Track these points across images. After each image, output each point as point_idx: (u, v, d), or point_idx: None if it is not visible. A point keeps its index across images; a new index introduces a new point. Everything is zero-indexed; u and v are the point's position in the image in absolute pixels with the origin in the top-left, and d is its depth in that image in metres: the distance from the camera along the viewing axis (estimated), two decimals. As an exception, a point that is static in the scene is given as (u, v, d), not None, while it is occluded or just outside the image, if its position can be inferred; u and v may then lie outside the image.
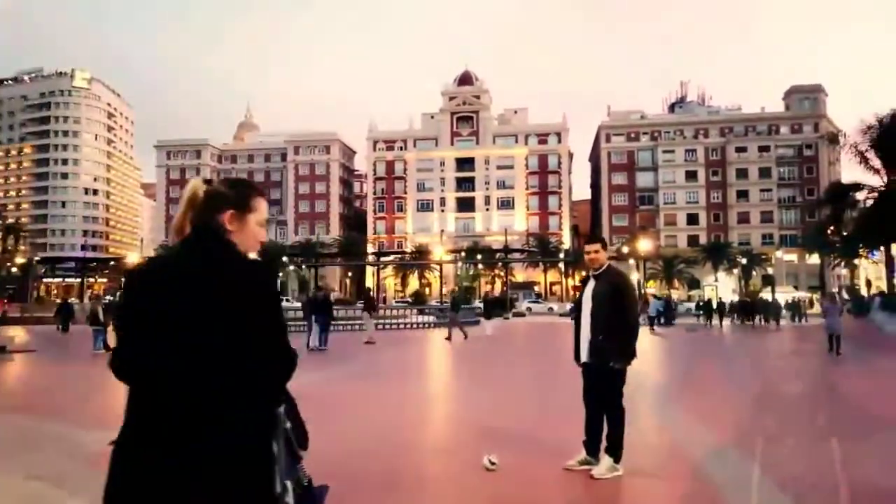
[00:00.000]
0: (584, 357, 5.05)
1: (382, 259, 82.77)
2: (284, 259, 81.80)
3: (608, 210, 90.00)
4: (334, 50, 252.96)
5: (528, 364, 15.27)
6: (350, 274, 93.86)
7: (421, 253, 78.55)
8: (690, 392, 10.58)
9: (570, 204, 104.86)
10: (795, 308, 38.69)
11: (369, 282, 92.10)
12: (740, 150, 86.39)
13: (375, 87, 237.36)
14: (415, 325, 31.28)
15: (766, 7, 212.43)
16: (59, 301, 38.95)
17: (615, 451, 4.88)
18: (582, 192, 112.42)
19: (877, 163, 26.09)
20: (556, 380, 11.08)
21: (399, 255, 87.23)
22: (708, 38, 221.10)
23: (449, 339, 20.75)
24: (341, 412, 7.95)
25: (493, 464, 4.82)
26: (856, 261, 73.75)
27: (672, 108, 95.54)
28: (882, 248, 34.66)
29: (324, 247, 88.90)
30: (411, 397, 9.60)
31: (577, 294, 5.40)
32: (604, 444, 4.95)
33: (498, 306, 51.41)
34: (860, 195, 26.88)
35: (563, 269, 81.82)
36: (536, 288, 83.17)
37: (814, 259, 76.15)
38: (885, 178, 25.95)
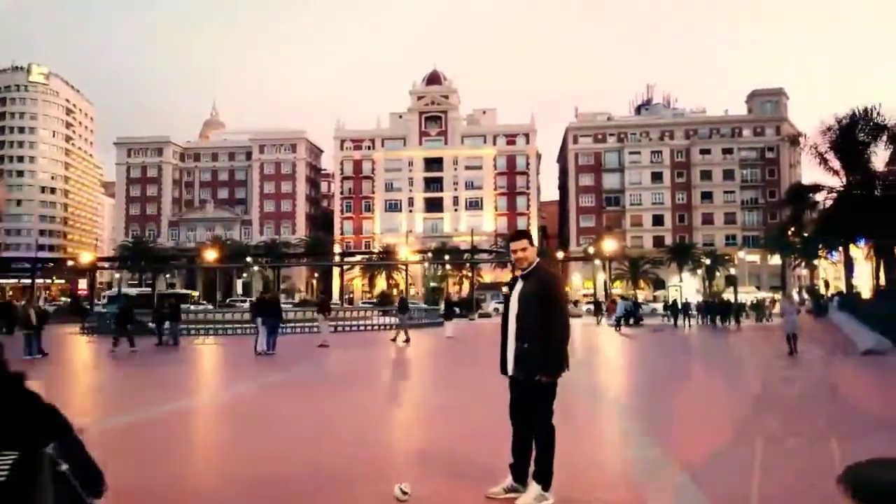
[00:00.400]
0: (510, 369, 4.46)
1: (347, 259, 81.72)
2: (248, 259, 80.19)
3: (575, 211, 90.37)
4: (303, 48, 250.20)
5: (470, 371, 14.52)
6: (316, 275, 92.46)
7: (388, 253, 77.70)
8: (647, 399, 10.16)
9: (539, 205, 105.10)
10: (759, 308, 39.18)
11: (336, 283, 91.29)
12: (704, 152, 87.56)
13: (343, 85, 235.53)
14: (377, 327, 30.68)
15: (730, 11, 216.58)
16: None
17: (544, 478, 4.30)
18: (550, 193, 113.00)
19: (836, 164, 26.24)
20: (496, 390, 10.52)
21: (366, 256, 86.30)
22: (674, 41, 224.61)
23: (394, 340, 20.45)
24: (261, 428, 7.31)
25: (405, 493, 4.23)
26: (815, 261, 75.48)
27: (638, 110, 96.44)
28: (841, 248, 35.14)
29: (289, 247, 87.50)
30: (340, 410, 8.81)
31: (505, 296, 4.79)
32: (532, 468, 4.39)
33: (464, 307, 51.13)
34: (819, 196, 27.04)
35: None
36: (504, 289, 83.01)
37: (775, 260, 77.49)
38: (844, 179, 26.11)
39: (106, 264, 78.29)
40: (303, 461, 5.71)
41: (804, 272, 79.31)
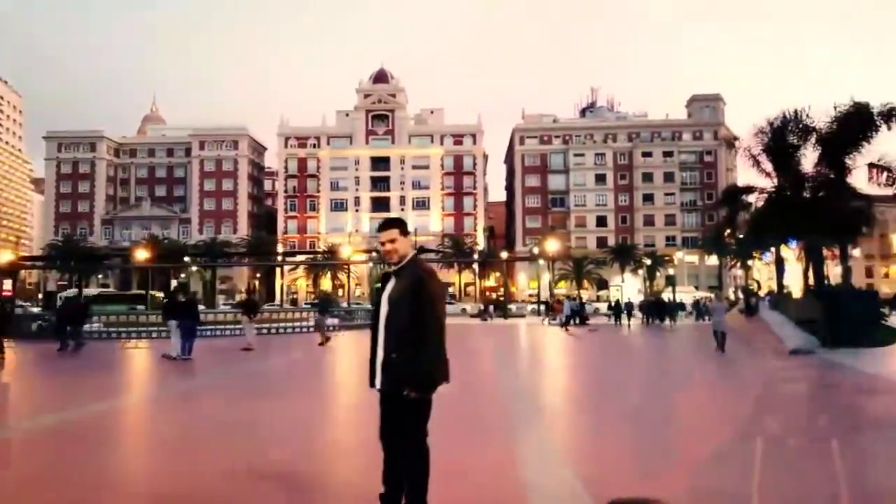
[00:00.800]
0: (377, 381, 3.81)
1: (288, 259, 79.76)
2: (186, 259, 77.41)
3: (522, 211, 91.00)
4: (249, 45, 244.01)
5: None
6: (259, 275, 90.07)
7: (333, 253, 76.30)
8: (568, 405, 9.79)
9: (486, 205, 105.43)
10: (698, 308, 40.03)
11: (279, 283, 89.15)
12: (646, 154, 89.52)
13: (288, 83, 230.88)
14: (313, 329, 29.57)
15: (672, 17, 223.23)
16: None
17: (415, 512, 3.67)
18: (498, 193, 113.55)
19: (768, 166, 26.78)
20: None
21: (310, 256, 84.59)
22: (619, 45, 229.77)
23: (322, 343, 19.76)
24: (109, 453, 6.34)
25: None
26: (750, 262, 78.11)
27: (583, 112, 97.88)
28: (772, 249, 36.13)
29: (230, 246, 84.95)
30: (215, 427, 7.53)
31: (377, 296, 4.09)
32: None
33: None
34: (752, 198, 27.58)
35: (476, 270, 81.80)
36: (451, 289, 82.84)
37: (713, 260, 79.80)
38: (775, 181, 26.69)
39: (29, 263, 73.97)
40: (143, 491, 4.97)
41: (740, 272, 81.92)
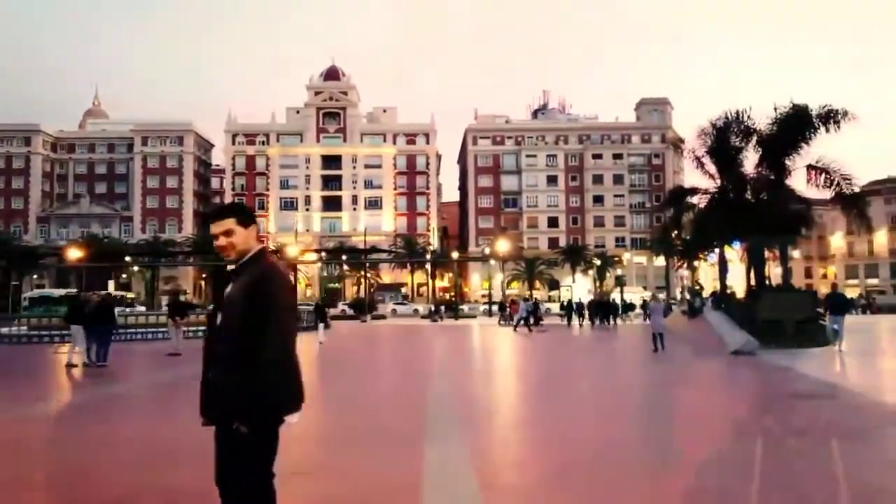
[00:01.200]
0: (209, 411, 2.95)
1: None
2: (127, 258, 74.42)
3: (475, 212, 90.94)
4: (195, 39, 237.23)
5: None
6: (205, 275, 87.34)
7: (281, 253, 74.45)
8: (482, 411, 9.29)
9: (439, 205, 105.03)
10: (645, 308, 40.45)
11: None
12: (596, 157, 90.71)
13: (237, 80, 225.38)
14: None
15: (622, 21, 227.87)
16: None
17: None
18: (452, 194, 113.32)
19: (712, 168, 27.05)
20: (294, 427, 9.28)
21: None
22: (570, 48, 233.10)
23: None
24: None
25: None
26: (696, 263, 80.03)
27: (535, 114, 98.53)
28: (716, 250, 36.73)
29: (174, 246, 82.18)
30: (101, 448, 6.57)
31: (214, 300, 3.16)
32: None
33: (358, 308, 49.66)
34: (697, 199, 27.86)
35: (429, 271, 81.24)
36: (404, 289, 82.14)
37: (661, 261, 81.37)
38: (719, 183, 26.99)
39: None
40: None
41: (686, 273, 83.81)
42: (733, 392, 10.88)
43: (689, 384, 11.45)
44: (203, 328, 20.20)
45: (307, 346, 19.63)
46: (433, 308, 46.56)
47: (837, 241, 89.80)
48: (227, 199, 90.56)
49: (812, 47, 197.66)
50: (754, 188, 23.27)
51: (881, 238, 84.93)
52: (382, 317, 49.20)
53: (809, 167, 17.67)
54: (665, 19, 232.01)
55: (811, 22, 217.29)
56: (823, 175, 17.41)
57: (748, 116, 17.99)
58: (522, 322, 30.48)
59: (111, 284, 62.87)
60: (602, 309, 34.51)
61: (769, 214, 20.72)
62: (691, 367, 13.69)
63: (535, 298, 52.40)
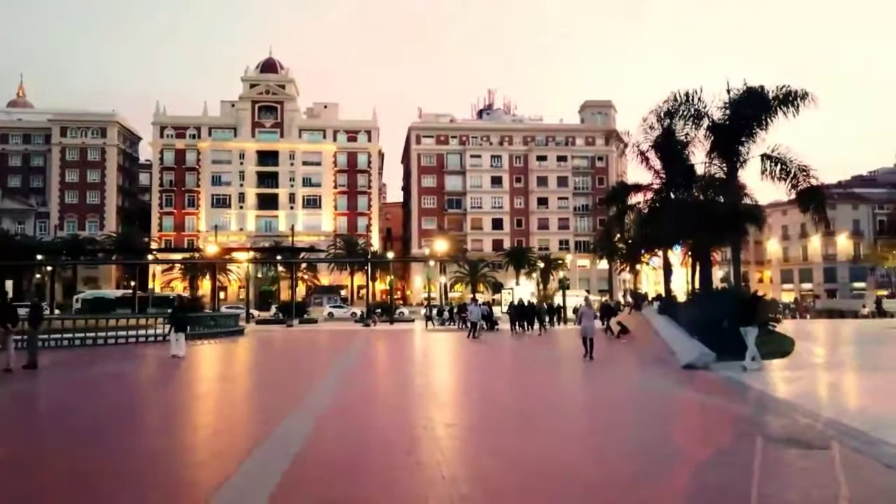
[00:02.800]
0: None
1: (158, 258, 72.59)
2: (40, 257, 68.54)
3: (418, 212, 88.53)
4: (126, 29, 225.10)
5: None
6: (128, 276, 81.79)
7: (200, 252, 70.07)
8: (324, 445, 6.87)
9: (382, 206, 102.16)
10: (576, 312, 38.76)
11: (151, 285, 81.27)
12: (541, 158, 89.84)
13: (170, 71, 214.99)
14: (146, 338, 24.76)
15: (567, 22, 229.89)
16: None
17: None
18: (396, 194, 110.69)
19: (657, 163, 25.51)
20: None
21: (188, 255, 77.67)
22: (515, 49, 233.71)
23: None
24: None
25: None
26: (638, 266, 79.95)
27: (480, 114, 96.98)
28: (659, 252, 35.44)
29: (95, 244, 76.53)
30: None
31: None
32: None
33: (285, 311, 46.14)
34: (640, 197, 26.28)
35: (369, 273, 78.21)
36: (343, 292, 78.83)
37: (604, 264, 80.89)
38: (664, 179, 25.43)
39: None
40: None
41: (629, 276, 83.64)
42: (696, 432, 7.97)
43: (634, 417, 8.68)
44: (106, 333, 16.82)
45: (145, 366, 16.65)
46: (366, 312, 43.76)
47: (773, 246, 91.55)
48: (154, 195, 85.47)
49: (762, 55, 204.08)
50: (704, 184, 21.67)
51: (815, 243, 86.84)
52: (313, 321, 46.08)
53: (764, 157, 16.02)
54: (612, 24, 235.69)
55: (760, 33, 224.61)
56: (779, 166, 15.80)
57: (699, 98, 16.25)
58: (473, 328, 26.93)
59: (9, 285, 57.13)
60: (520, 314, 30.36)
61: (718, 212, 19.12)
62: (634, 387, 11.40)
63: (489, 302, 50.24)
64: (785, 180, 15.77)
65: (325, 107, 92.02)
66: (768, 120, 15.61)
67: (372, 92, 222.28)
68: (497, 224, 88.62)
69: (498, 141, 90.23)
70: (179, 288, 79.79)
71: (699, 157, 20.68)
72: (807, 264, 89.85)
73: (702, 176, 21.30)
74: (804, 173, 15.53)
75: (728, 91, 16.09)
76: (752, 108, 15.65)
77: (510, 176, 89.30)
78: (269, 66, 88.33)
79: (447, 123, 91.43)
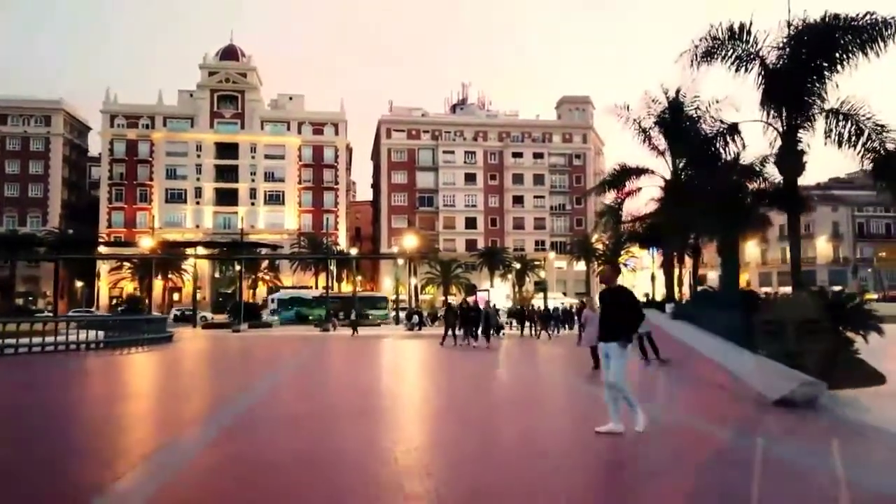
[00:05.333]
0: None
1: (104, 255, 66.78)
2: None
3: (388, 210, 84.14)
4: (74, 9, 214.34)
5: None
6: (74, 275, 75.80)
7: (135, 248, 64.68)
8: None
9: (351, 205, 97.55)
10: (570, 315, 34.92)
11: (97, 285, 75.37)
12: (517, 155, 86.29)
13: (125, 58, 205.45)
14: (66, 346, 20.46)
15: (544, 18, 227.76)
16: None
17: None
18: (366, 193, 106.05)
19: (661, 142, 21.73)
20: None
21: (141, 252, 72.00)
22: (489, 42, 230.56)
23: None
24: None
25: None
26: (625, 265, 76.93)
27: (454, 109, 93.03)
28: (643, 250, 31.89)
29: (36, 240, 70.33)
30: None
31: None
32: None
33: (235, 314, 41.24)
34: (644, 182, 22.46)
35: (335, 273, 73.60)
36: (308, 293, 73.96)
37: (581, 266, 77.74)
38: (671, 163, 21.66)
39: None
40: None
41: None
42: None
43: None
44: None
45: None
46: (324, 315, 39.21)
47: (751, 248, 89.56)
48: (103, 189, 79.50)
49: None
50: (727, 166, 17.67)
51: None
52: (267, 325, 41.39)
53: (831, 113, 12.27)
54: (587, 22, 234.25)
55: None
56: (850, 124, 12.06)
57: (747, 31, 12.33)
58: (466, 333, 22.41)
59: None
60: (466, 319, 23.12)
61: (759, 195, 15.34)
62: (737, 456, 6.49)
63: (492, 303, 45.69)
64: (855, 144, 12.12)
65: (291, 98, 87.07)
66: (845, 60, 11.87)
67: (342, 88, 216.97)
68: (471, 223, 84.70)
69: (472, 136, 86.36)
70: (129, 288, 74.28)
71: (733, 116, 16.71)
72: (785, 267, 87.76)
73: (715, 156, 17.27)
74: (880, 135, 11.89)
75: (789, 25, 12.30)
76: (821, 44, 11.86)
77: (485, 173, 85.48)
78: (229, 53, 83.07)
79: (419, 117, 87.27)
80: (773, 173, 19.02)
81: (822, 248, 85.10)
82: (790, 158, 12.37)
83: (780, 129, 12.62)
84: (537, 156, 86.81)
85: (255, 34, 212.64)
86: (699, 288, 25.91)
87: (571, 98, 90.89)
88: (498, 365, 17.18)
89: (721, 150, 13.98)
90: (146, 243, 54.21)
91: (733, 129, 13.68)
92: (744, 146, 13.71)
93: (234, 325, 35.22)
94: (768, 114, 12.81)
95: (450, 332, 22.99)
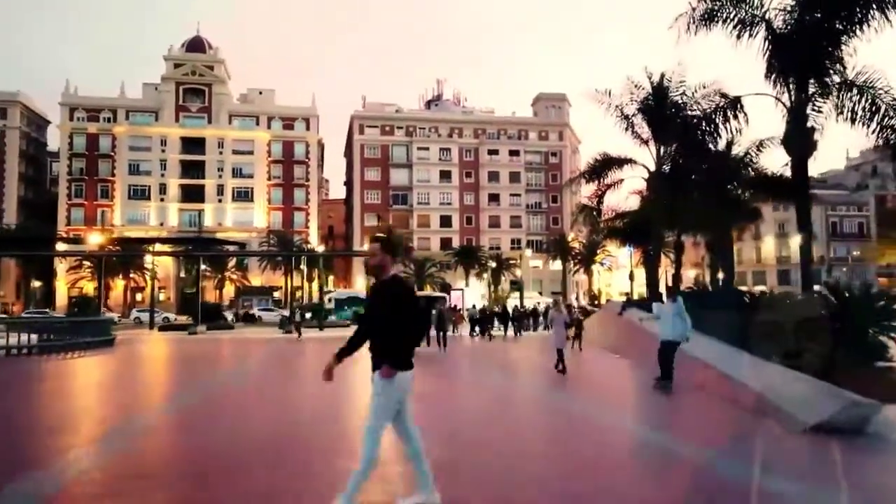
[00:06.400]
0: None
1: (48, 252, 63.41)
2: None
3: (361, 207, 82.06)
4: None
5: None
6: (30, 274, 72.33)
7: (122, 248, 61.87)
8: None
9: (324, 203, 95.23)
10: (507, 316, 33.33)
11: (59, 285, 72.00)
12: (493, 152, 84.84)
13: (85, 47, 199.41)
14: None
15: (521, 15, 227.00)
16: None
17: None
18: (339, 191, 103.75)
19: (645, 131, 20.26)
20: None
21: (90, 249, 68.86)
22: (465, 38, 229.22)
23: None
24: None
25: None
26: (592, 267, 76.06)
27: (428, 105, 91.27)
28: (636, 246, 30.58)
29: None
30: None
31: None
32: None
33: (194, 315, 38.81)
34: (626, 173, 20.97)
35: (305, 273, 71.30)
36: (277, 294, 71.58)
37: (557, 265, 76.70)
38: (655, 153, 20.20)
39: None
40: None
41: (583, 278, 79.61)
42: None
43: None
44: None
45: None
46: (287, 316, 37.07)
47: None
48: (62, 185, 76.10)
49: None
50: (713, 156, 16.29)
51: (769, 245, 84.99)
52: (228, 327, 39.17)
53: (844, 85, 10.81)
54: (562, 20, 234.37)
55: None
56: (864, 99, 10.63)
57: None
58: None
59: None
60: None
61: (752, 179, 13.88)
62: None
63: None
64: (870, 122, 10.70)
65: (261, 93, 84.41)
66: (863, 21, 10.38)
67: (315, 85, 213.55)
68: (445, 221, 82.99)
69: (447, 133, 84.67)
70: (89, 288, 71.08)
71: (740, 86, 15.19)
72: (760, 266, 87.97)
73: (708, 137, 15.78)
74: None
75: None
76: (839, 2, 10.36)
77: (460, 170, 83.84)
78: (196, 44, 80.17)
79: (393, 113, 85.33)
80: (764, 164, 17.66)
81: (796, 247, 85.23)
82: (799, 136, 10.87)
83: (788, 104, 11.17)
84: (513, 153, 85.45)
85: (225, 29, 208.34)
86: (686, 286, 24.54)
87: (548, 95, 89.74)
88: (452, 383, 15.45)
89: (721, 129, 12.38)
90: (95, 239, 51.35)
91: (735, 105, 12.14)
92: (747, 122, 12.09)
93: (191, 327, 32.99)
94: (775, 86, 11.34)
95: None
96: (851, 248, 77.76)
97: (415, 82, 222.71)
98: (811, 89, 10.99)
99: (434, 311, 20.73)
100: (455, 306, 37.83)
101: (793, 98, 10.95)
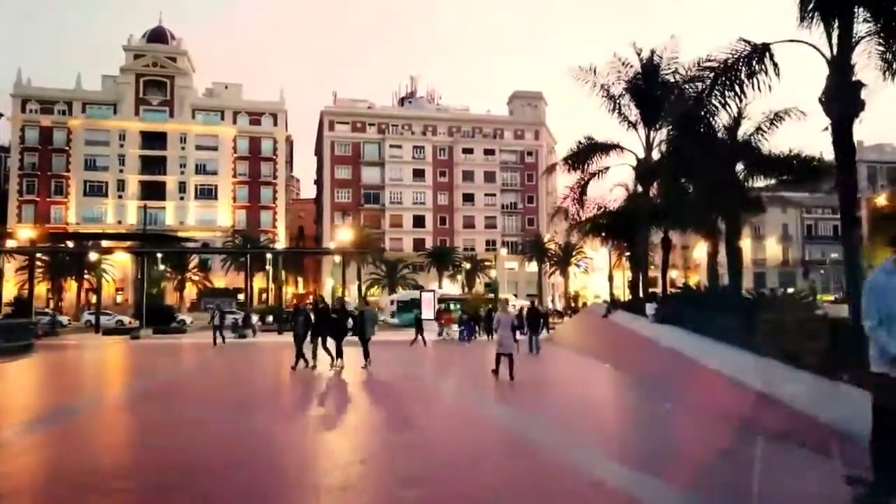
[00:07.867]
0: None
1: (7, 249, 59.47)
2: None
3: (331, 206, 79.27)
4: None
5: None
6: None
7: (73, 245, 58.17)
8: None
9: (292, 202, 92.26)
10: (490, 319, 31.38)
11: (7, 287, 67.82)
12: (467, 151, 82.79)
13: (39, 37, 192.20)
14: None
15: (496, 11, 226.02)
16: None
17: None
18: (310, 191, 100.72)
19: (633, 113, 18.16)
20: None
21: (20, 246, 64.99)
22: (440, 34, 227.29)
23: None
24: None
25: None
26: (569, 269, 74.50)
27: (402, 102, 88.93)
28: (616, 244, 28.62)
29: (-71, 237, 62.63)
30: None
31: None
32: None
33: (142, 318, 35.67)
34: (612, 161, 18.88)
35: (271, 274, 68.27)
36: (241, 296, 68.39)
37: (532, 267, 75.00)
38: (644, 137, 18.10)
39: None
40: None
41: (560, 280, 78.01)
42: None
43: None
44: None
45: None
46: (242, 319, 34.38)
47: (700, 251, 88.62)
48: (13, 180, 71.96)
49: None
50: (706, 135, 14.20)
51: (745, 247, 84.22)
52: (181, 330, 36.27)
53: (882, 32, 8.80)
54: (538, 16, 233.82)
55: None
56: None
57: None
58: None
59: None
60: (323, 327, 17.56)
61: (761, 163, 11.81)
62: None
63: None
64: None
65: (227, 87, 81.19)
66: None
67: (285, 81, 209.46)
68: (419, 221, 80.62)
69: (420, 130, 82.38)
70: (41, 289, 67.05)
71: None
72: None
73: (705, 122, 13.64)
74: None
75: None
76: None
77: (433, 169, 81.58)
78: (157, 35, 76.64)
79: (365, 109, 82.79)
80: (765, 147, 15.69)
81: (772, 250, 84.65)
82: (842, 90, 8.79)
83: (829, 55, 9.12)
84: (488, 152, 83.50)
85: (189, 20, 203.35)
86: (681, 285, 22.46)
87: (524, 93, 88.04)
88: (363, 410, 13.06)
89: (745, 86, 10.15)
90: (25, 234, 47.95)
91: (763, 54, 9.89)
92: (778, 74, 9.85)
93: (134, 331, 30.13)
94: (811, 31, 9.29)
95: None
96: (827, 252, 77.10)
97: (388, 79, 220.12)
98: (861, 29, 8.92)
99: (360, 315, 15.54)
100: (442, 308, 35.42)
101: (833, 48, 8.87)
